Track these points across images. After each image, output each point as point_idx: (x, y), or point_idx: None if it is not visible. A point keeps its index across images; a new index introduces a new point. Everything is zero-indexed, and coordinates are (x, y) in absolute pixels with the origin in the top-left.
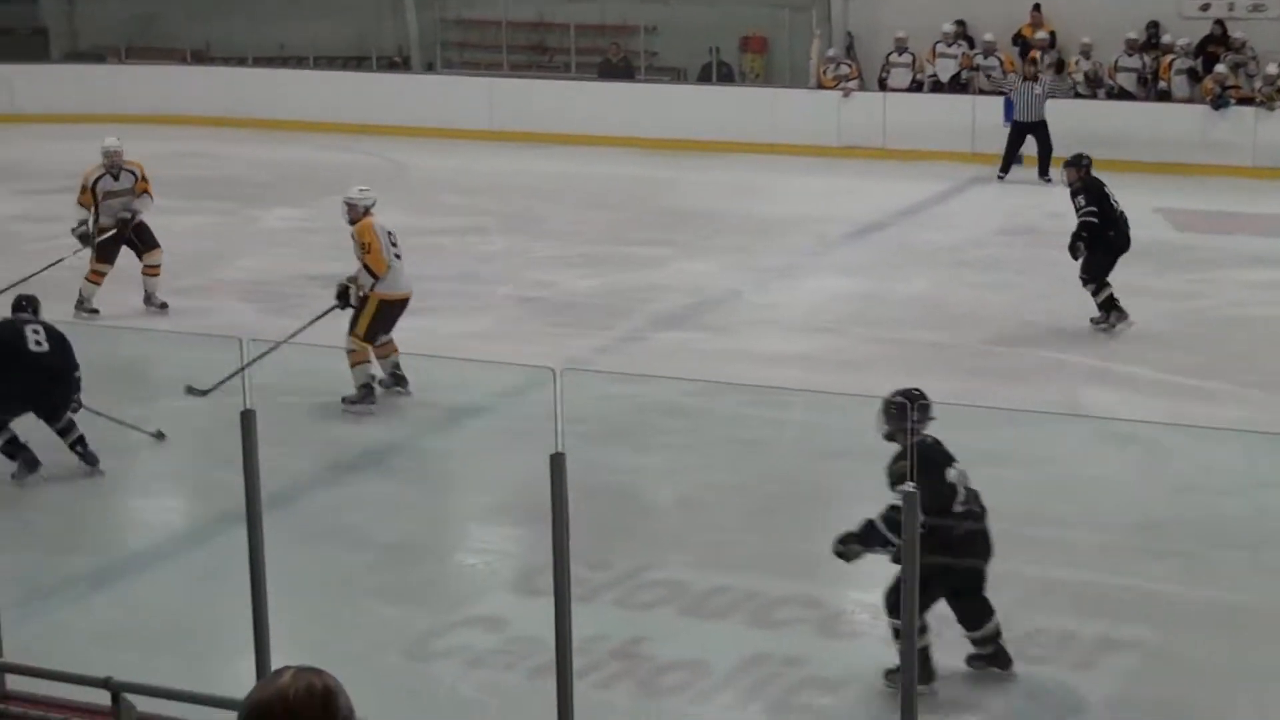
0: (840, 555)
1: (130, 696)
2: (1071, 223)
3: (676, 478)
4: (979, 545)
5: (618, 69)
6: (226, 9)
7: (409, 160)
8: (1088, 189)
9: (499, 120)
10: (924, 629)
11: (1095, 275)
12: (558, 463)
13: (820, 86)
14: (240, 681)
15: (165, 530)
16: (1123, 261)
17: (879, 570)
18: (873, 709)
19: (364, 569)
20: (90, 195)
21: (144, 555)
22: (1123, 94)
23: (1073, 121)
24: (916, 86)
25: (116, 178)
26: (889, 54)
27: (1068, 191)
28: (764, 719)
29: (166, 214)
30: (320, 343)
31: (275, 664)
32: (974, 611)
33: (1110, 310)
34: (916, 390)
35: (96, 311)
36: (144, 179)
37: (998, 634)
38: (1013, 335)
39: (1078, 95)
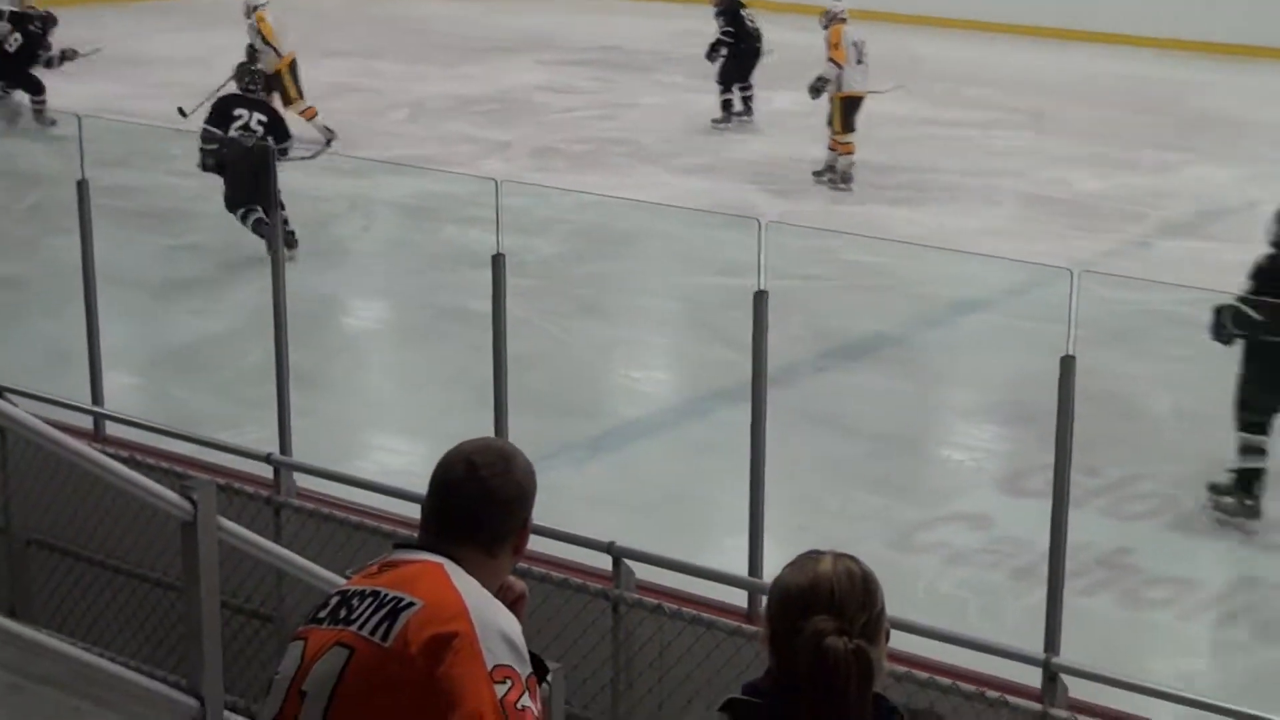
0: None
1: (629, 562)
2: None
3: (1175, 388)
4: None
5: None
6: None
7: (926, 51)
8: (726, 11)
9: (1020, 14)
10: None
11: (726, 81)
12: (1067, 365)
13: None
14: (730, 557)
15: (659, 402)
16: None
17: None
18: None
19: (851, 457)
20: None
21: (638, 425)
22: None
23: None
24: None
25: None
26: None
27: None
28: (1251, 643)
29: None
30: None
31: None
32: None
33: (729, 112)
34: None
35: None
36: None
37: None
38: None
39: None
